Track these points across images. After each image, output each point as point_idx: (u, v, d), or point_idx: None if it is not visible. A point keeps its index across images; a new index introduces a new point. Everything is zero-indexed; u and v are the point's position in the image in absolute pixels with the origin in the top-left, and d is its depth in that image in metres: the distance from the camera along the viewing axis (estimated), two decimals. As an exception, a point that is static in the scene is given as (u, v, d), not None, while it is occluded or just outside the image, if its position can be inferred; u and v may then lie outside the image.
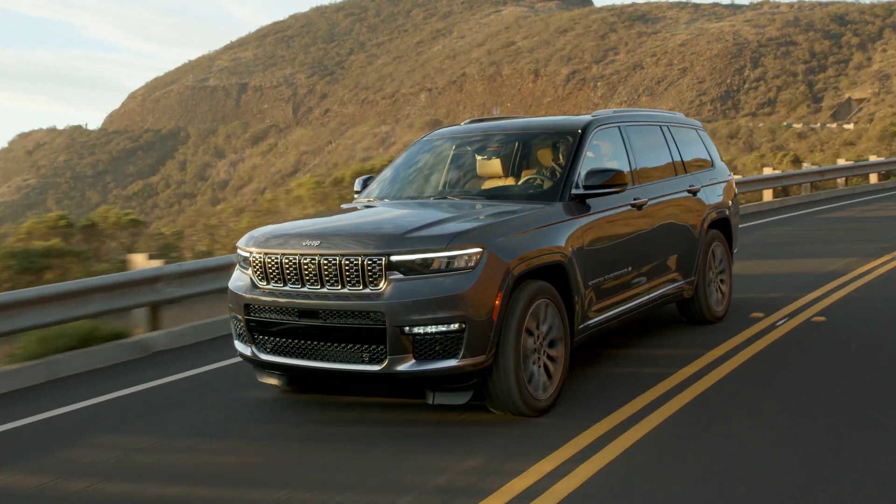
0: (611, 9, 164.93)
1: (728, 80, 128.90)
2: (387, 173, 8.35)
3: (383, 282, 5.93)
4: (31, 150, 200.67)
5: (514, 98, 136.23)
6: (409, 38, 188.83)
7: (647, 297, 7.92)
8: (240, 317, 6.65)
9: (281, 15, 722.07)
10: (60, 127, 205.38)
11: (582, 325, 6.87)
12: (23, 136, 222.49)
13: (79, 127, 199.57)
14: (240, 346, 6.85)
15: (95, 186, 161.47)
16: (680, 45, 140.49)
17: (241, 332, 6.73)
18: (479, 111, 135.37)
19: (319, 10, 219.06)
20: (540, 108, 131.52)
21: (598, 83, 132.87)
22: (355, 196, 8.33)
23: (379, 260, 5.93)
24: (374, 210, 7.37)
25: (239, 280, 6.83)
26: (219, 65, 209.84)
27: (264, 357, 6.54)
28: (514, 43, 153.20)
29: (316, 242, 6.21)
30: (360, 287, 5.98)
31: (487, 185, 7.69)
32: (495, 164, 7.74)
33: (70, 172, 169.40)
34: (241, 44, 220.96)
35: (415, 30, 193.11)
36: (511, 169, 7.80)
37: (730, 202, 9.61)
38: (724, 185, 9.55)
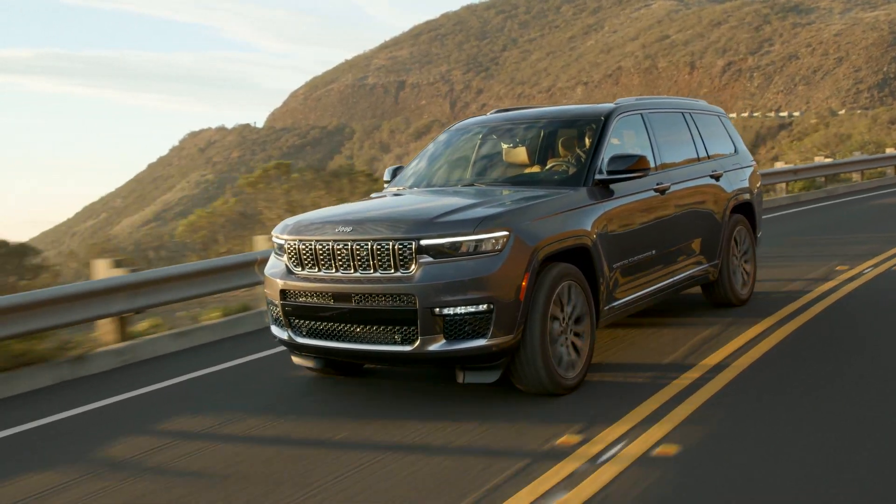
0: (763, 0, 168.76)
1: (885, 69, 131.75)
2: (416, 163, 8.57)
3: (414, 265, 6.10)
4: (203, 148, 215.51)
5: (670, 90, 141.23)
6: (561, 34, 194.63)
7: (672, 279, 8.08)
8: (276, 302, 6.84)
9: (417, 13, 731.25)
10: (230, 126, 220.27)
11: (607, 307, 7.03)
12: (193, 135, 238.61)
13: (247, 125, 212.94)
14: (276, 331, 7.05)
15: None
16: (835, 34, 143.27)
17: (278, 316, 6.93)
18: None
19: (470, 9, 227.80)
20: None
21: (754, 74, 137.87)
22: (385, 185, 8.56)
23: (409, 244, 6.10)
24: (403, 198, 7.49)
25: (274, 267, 7.02)
26: (376, 63, 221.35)
27: (300, 340, 6.76)
28: (668, 36, 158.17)
29: (348, 229, 6.39)
30: (392, 270, 6.16)
31: (513, 172, 7.88)
32: (521, 152, 7.99)
33: (244, 168, 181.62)
34: (395, 43, 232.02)
35: (566, 25, 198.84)
36: (536, 156, 7.96)
37: (753, 188, 9.71)
38: (747, 170, 9.69)
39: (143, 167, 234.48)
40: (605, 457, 5.16)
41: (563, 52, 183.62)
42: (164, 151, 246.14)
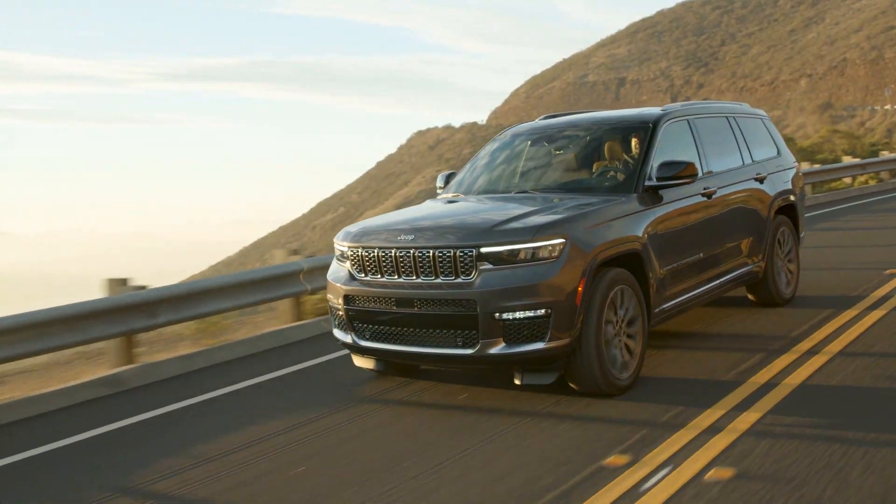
0: None
1: None
2: (467, 170, 8.87)
3: (474, 272, 6.38)
4: (432, 146, 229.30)
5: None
6: (780, 27, 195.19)
7: (719, 280, 8.34)
8: (339, 307, 7.18)
9: (613, 9, 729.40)
10: (457, 125, 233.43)
11: (658, 309, 7.30)
12: (420, 134, 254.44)
13: (475, 123, 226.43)
14: (339, 334, 7.42)
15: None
16: None
17: (341, 321, 7.27)
18: (863, 94, 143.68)
19: (686, 6, 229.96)
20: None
21: None
22: (438, 191, 8.87)
23: (470, 252, 6.40)
24: (460, 205, 7.78)
25: (337, 272, 7.38)
26: (595, 61, 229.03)
27: (364, 343, 7.09)
28: (895, 27, 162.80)
29: (410, 237, 6.75)
30: (453, 277, 6.46)
31: (564, 178, 8.11)
32: (571, 158, 8.27)
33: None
34: (612, 41, 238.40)
35: (785, 19, 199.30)
36: (586, 162, 8.19)
37: (796, 189, 9.94)
38: (790, 172, 9.92)
39: (370, 165, 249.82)
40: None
41: (784, 45, 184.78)
42: (392, 149, 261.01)
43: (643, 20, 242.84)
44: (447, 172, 9.06)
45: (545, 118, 9.34)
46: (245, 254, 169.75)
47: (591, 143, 8.36)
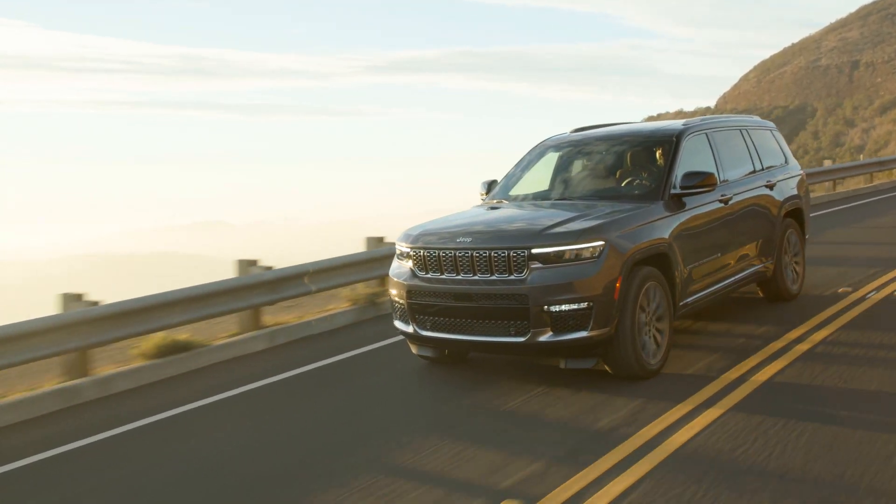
0: None
1: None
2: (507, 178, 9.55)
3: (526, 270, 7.13)
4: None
5: None
6: None
7: (734, 277, 9.10)
8: (402, 301, 7.87)
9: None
10: (688, 109, 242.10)
11: (682, 303, 8.03)
12: (651, 120, 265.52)
13: (707, 108, 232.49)
14: (400, 325, 8.10)
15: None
16: None
17: (403, 313, 7.96)
18: None
19: None
20: None
21: None
22: (481, 197, 9.54)
23: (523, 252, 7.14)
24: (507, 212, 8.45)
25: (399, 269, 8.07)
26: (826, 45, 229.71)
27: (424, 333, 7.78)
28: None
29: (468, 239, 7.48)
30: (507, 274, 7.21)
31: (598, 186, 8.79)
32: (602, 168, 9.01)
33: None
34: (842, 24, 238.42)
35: None
36: (615, 172, 8.89)
37: (801, 194, 10.69)
38: (796, 178, 10.68)
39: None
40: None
41: None
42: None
43: (874, 3, 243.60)
44: (489, 180, 9.76)
45: (576, 130, 10.07)
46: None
47: (619, 154, 9.13)
